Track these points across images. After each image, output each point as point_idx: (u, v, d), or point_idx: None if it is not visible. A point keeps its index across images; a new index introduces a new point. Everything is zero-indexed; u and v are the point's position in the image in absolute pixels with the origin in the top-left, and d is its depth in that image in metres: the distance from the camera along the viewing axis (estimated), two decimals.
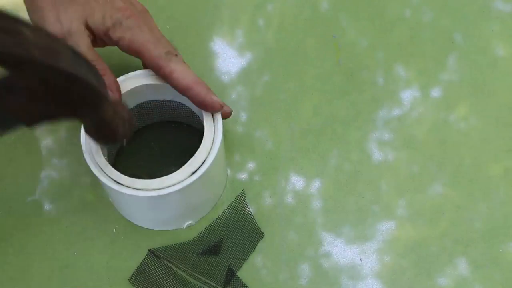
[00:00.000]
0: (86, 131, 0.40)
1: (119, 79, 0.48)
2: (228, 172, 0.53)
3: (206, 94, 0.47)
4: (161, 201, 0.46)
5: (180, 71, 0.47)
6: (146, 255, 0.50)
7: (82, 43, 0.46)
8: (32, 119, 0.34)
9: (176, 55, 0.47)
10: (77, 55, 0.34)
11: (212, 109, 0.47)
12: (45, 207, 0.52)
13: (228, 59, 0.59)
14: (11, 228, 0.51)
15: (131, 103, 0.50)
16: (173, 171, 0.45)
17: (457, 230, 0.51)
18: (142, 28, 0.47)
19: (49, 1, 0.46)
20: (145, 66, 0.49)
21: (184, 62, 0.48)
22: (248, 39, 0.60)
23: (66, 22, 0.45)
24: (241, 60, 0.58)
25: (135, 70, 0.49)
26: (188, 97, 0.47)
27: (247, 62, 0.58)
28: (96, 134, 0.39)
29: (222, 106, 0.48)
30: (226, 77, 0.58)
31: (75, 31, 0.46)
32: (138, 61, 0.49)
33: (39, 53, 0.31)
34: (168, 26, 0.60)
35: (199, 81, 0.47)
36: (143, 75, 0.49)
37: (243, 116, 0.56)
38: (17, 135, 0.55)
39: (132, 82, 0.49)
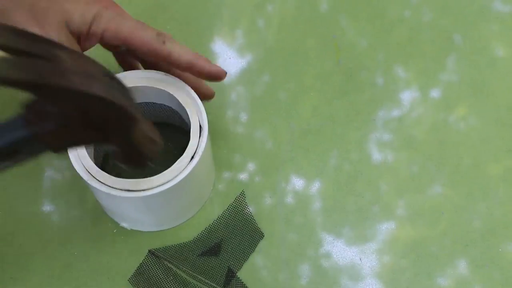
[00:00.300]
0: (114, 157, 0.39)
1: None
2: (228, 172, 0.54)
3: (210, 65, 0.47)
4: (149, 201, 0.46)
5: (177, 50, 0.46)
6: (146, 255, 0.50)
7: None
8: (61, 146, 0.34)
9: (166, 35, 0.46)
10: (110, 76, 0.34)
11: (219, 78, 0.48)
12: (45, 207, 0.52)
13: (228, 59, 0.59)
14: (11, 228, 0.51)
15: None
16: (161, 170, 0.45)
17: (456, 230, 0.51)
18: (124, 16, 0.45)
19: (25, 13, 0.42)
20: (137, 55, 0.48)
21: (176, 41, 0.47)
22: (248, 39, 0.60)
23: (53, 33, 0.43)
24: (241, 61, 0.59)
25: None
26: (193, 73, 0.47)
27: (247, 62, 0.59)
28: (124, 158, 0.39)
29: (226, 72, 0.48)
30: (226, 78, 0.57)
31: (64, 40, 0.43)
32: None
33: (77, 80, 0.31)
34: (168, 26, 0.60)
35: (198, 55, 0.47)
36: (123, 77, 0.48)
37: (243, 116, 0.56)
38: None
39: None
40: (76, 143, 0.35)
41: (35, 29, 0.42)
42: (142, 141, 0.37)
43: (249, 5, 0.61)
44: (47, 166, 0.54)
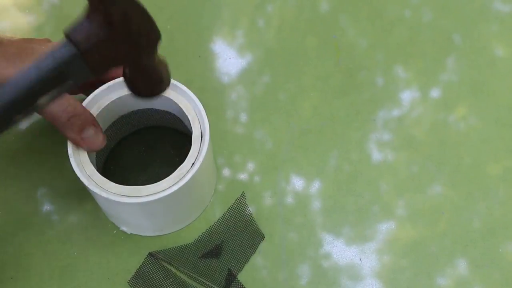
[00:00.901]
0: (134, 87, 0.42)
1: (103, 87, 0.48)
2: (228, 172, 0.54)
3: None
4: (149, 207, 0.46)
5: None
6: (146, 258, 0.50)
7: None
8: (102, 65, 0.37)
9: None
10: None
11: None
12: (45, 207, 0.52)
13: (228, 59, 0.59)
14: (11, 228, 0.51)
15: (119, 112, 0.50)
16: (161, 177, 0.45)
17: (456, 230, 0.51)
18: None
19: (10, 65, 0.45)
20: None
21: None
22: (248, 39, 0.60)
23: None
24: (241, 61, 0.59)
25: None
26: None
27: (247, 62, 0.59)
28: (144, 82, 0.42)
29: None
30: (226, 78, 0.58)
31: None
32: None
33: None
34: (168, 26, 0.60)
35: None
36: (121, 85, 0.48)
37: (243, 116, 0.56)
38: (17, 136, 0.55)
39: (118, 92, 0.48)
40: (115, 61, 0.38)
41: (10, 70, 0.44)
42: (161, 65, 0.42)
43: (249, 5, 0.61)
44: (47, 166, 0.54)
